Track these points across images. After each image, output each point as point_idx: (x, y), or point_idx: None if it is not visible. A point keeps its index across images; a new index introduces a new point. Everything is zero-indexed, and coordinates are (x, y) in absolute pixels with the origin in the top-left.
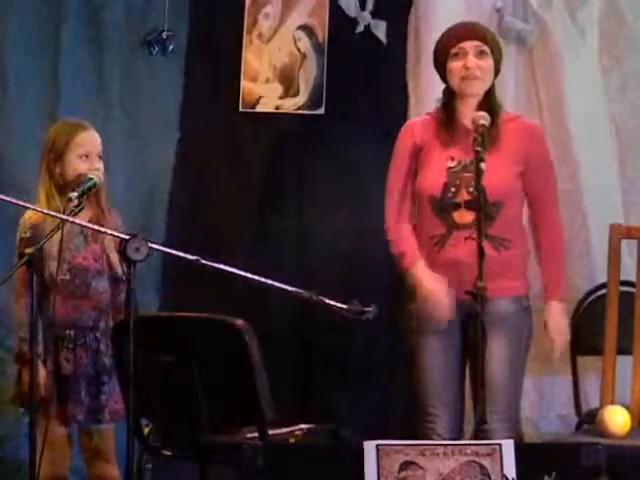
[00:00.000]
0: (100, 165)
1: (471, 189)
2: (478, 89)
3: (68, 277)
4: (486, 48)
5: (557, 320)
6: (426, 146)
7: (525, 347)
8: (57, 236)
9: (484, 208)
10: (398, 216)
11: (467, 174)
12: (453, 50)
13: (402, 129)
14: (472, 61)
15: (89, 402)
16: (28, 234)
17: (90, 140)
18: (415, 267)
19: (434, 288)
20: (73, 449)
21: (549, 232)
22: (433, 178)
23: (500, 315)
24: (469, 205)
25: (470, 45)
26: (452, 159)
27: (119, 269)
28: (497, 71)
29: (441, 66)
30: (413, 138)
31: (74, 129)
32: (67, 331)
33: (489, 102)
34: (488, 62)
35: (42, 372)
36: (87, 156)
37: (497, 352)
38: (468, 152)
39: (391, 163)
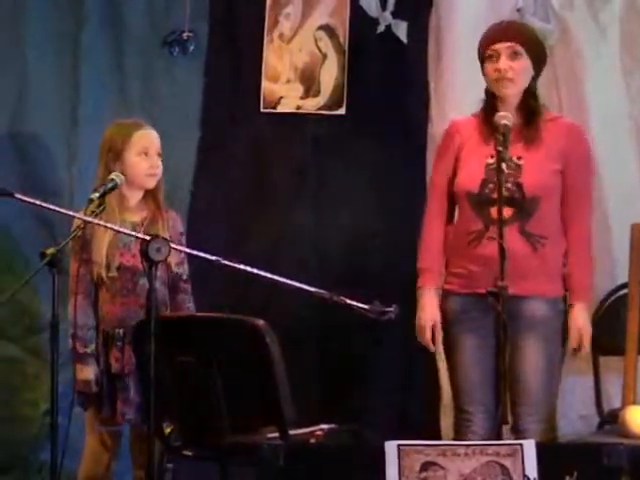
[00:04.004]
0: (159, 163)
1: (509, 185)
2: (511, 91)
3: (116, 275)
4: (520, 49)
5: (581, 324)
6: (466, 144)
7: (560, 350)
8: (105, 237)
9: (521, 204)
10: (438, 220)
11: (506, 170)
12: (487, 52)
13: (445, 130)
14: (504, 63)
15: (138, 401)
16: (79, 233)
17: (147, 137)
18: (423, 291)
19: (424, 325)
20: (120, 450)
21: (578, 231)
22: (472, 174)
23: (535, 318)
24: (506, 201)
25: (502, 47)
26: (492, 156)
27: (174, 268)
28: (539, 70)
29: (481, 65)
30: (453, 139)
31: (131, 127)
32: (116, 330)
33: (527, 102)
34: (521, 63)
35: (92, 369)
36: (146, 153)
37: (532, 355)
38: (508, 149)
39: (433, 163)
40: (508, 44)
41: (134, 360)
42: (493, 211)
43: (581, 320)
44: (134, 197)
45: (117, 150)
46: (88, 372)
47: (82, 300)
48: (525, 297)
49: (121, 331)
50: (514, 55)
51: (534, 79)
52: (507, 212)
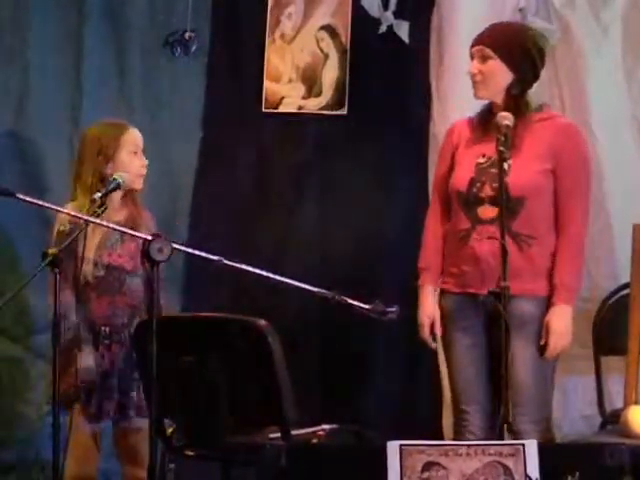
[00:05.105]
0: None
1: (495, 185)
2: (482, 93)
3: (103, 274)
4: (488, 52)
5: (561, 324)
6: (462, 144)
7: None
8: (92, 235)
9: (506, 203)
10: (438, 220)
11: (493, 170)
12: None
13: (446, 131)
14: (473, 66)
15: (119, 397)
16: (67, 228)
17: (136, 136)
18: (422, 289)
19: (422, 322)
20: (102, 449)
21: (569, 232)
22: (462, 174)
23: (521, 316)
24: (492, 201)
25: (475, 50)
26: (483, 155)
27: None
28: (521, 71)
29: None
30: (451, 139)
31: (119, 128)
32: (103, 328)
33: (509, 102)
34: (490, 66)
35: (91, 356)
36: (135, 152)
37: (520, 354)
38: (509, 149)
39: (436, 164)
40: (478, 47)
41: (119, 358)
42: (480, 210)
43: (555, 319)
44: (116, 197)
45: (108, 151)
46: (89, 360)
47: (70, 297)
48: (513, 296)
49: (107, 329)
50: (483, 58)
51: (519, 80)
52: (492, 212)
